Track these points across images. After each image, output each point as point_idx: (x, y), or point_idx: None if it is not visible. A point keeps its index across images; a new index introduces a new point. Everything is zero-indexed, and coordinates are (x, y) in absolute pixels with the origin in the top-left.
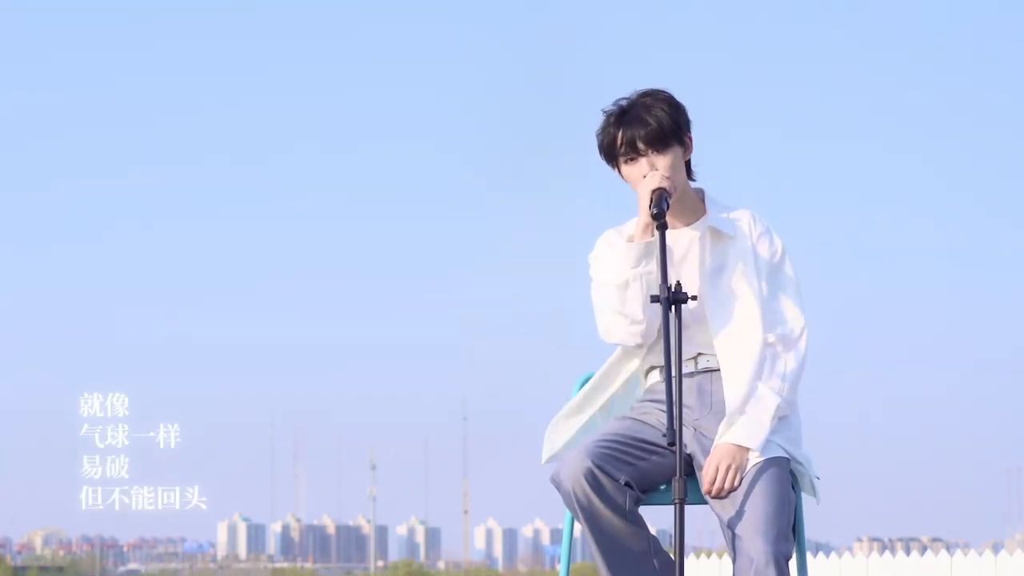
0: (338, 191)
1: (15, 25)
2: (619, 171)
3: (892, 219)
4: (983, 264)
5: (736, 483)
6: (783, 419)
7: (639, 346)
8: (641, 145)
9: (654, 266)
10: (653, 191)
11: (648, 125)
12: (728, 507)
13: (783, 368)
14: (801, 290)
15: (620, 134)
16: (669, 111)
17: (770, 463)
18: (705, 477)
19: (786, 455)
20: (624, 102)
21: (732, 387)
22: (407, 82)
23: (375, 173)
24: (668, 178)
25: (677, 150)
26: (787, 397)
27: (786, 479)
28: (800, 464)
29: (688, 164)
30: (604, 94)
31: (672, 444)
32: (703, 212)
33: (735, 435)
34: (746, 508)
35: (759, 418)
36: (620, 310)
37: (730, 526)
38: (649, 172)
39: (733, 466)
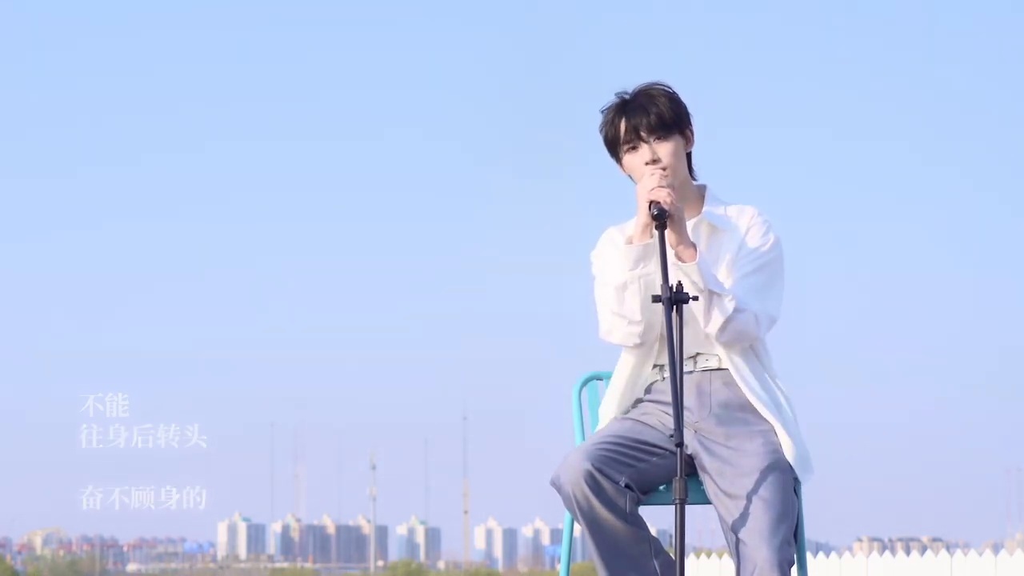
0: (336, 189)
1: None
2: (621, 164)
3: (891, 220)
4: (983, 264)
5: (663, 186)
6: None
7: (638, 346)
8: (643, 132)
9: (652, 267)
10: (651, 203)
11: (649, 113)
12: (733, 510)
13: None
14: (781, 287)
15: (623, 123)
16: (670, 102)
17: (775, 470)
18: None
19: (791, 466)
20: (625, 94)
21: (740, 381)
22: (406, 78)
23: (374, 171)
24: (666, 171)
25: (679, 140)
26: (734, 308)
27: (789, 486)
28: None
29: (689, 158)
30: (606, 87)
31: (680, 445)
32: (701, 208)
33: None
34: (751, 513)
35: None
36: (618, 311)
37: (734, 530)
38: (647, 166)
39: (678, 210)
